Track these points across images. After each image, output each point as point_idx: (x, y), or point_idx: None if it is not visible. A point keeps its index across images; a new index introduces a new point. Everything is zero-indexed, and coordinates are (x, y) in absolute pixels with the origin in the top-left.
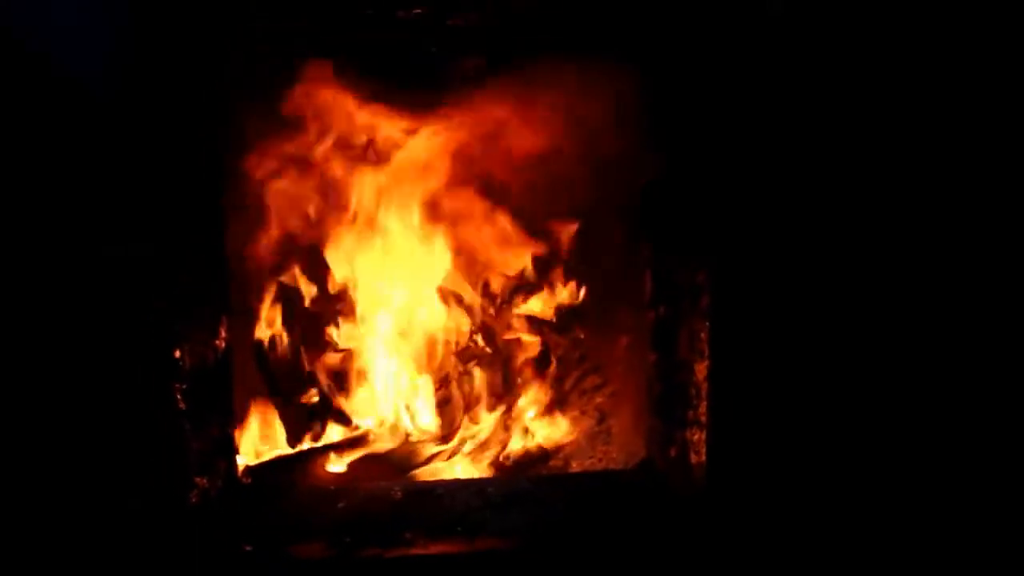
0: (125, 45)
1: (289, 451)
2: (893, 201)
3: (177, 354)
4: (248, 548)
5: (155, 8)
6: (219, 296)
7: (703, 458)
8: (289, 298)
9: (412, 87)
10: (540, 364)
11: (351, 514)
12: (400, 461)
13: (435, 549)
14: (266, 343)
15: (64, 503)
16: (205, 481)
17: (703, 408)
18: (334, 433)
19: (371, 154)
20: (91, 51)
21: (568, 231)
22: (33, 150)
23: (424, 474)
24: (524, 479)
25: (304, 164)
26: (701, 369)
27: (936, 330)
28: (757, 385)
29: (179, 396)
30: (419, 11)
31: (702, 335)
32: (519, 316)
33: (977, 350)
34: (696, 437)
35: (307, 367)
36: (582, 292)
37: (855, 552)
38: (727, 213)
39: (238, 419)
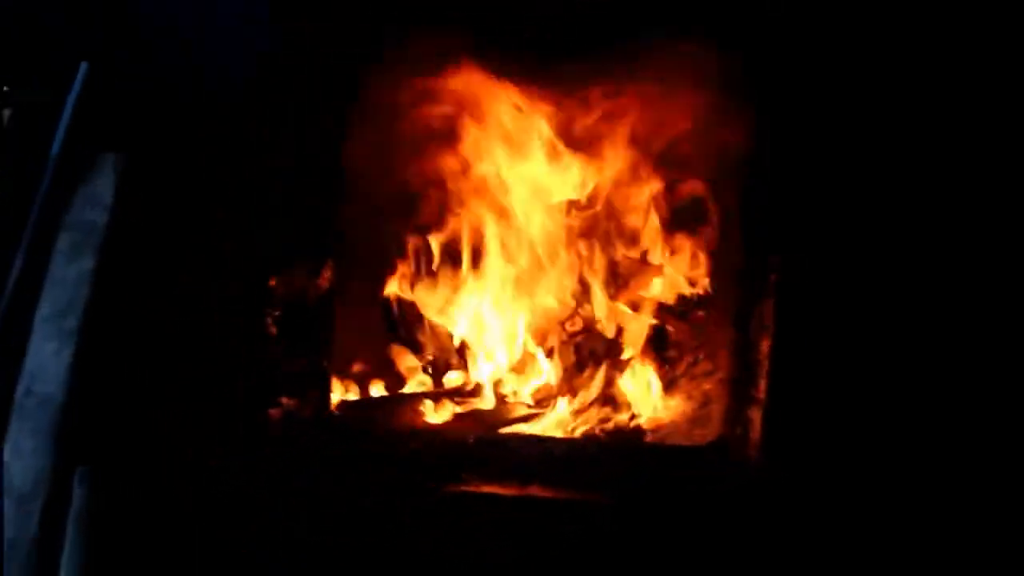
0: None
1: (387, 394)
2: (952, 195)
3: (272, 283)
4: (319, 466)
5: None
6: (324, 242)
7: (758, 435)
8: (420, 257)
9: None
10: (654, 345)
11: (422, 452)
12: (492, 419)
13: (488, 489)
14: (394, 296)
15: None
16: (294, 403)
17: (763, 386)
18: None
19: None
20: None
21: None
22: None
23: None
24: (593, 444)
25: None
26: (764, 347)
27: (992, 313)
28: (815, 366)
29: (270, 321)
30: None
31: (768, 312)
32: (639, 297)
33: None
34: (755, 414)
35: (427, 322)
36: (706, 280)
37: (901, 525)
38: (799, 201)
39: (348, 359)
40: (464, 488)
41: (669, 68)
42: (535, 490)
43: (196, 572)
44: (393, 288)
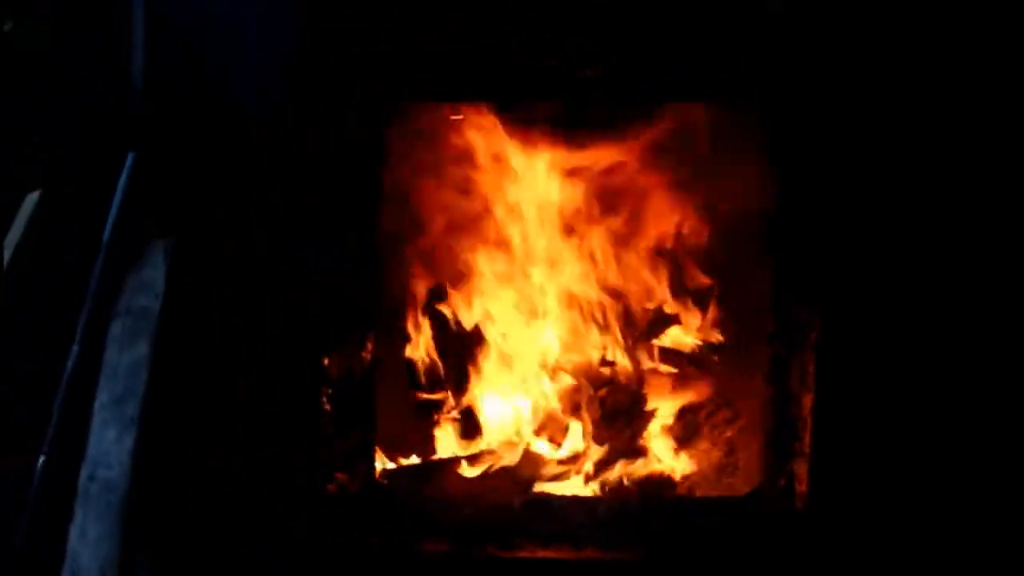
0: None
1: (422, 460)
2: (991, 245)
3: (325, 362)
4: (375, 540)
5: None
6: (368, 316)
7: (804, 487)
8: (438, 321)
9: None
10: (673, 393)
11: (474, 519)
12: (524, 478)
13: (543, 554)
14: (417, 361)
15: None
16: (345, 478)
17: (807, 439)
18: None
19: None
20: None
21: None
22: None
23: (544, 490)
24: (633, 500)
25: (455, 196)
26: (807, 402)
27: None
28: (859, 418)
29: (324, 399)
30: (554, 63)
31: (810, 369)
32: (656, 347)
33: None
34: (800, 468)
35: (449, 384)
36: (719, 329)
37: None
38: (836, 255)
39: (381, 429)
40: (521, 554)
41: (692, 132)
42: (589, 553)
43: None
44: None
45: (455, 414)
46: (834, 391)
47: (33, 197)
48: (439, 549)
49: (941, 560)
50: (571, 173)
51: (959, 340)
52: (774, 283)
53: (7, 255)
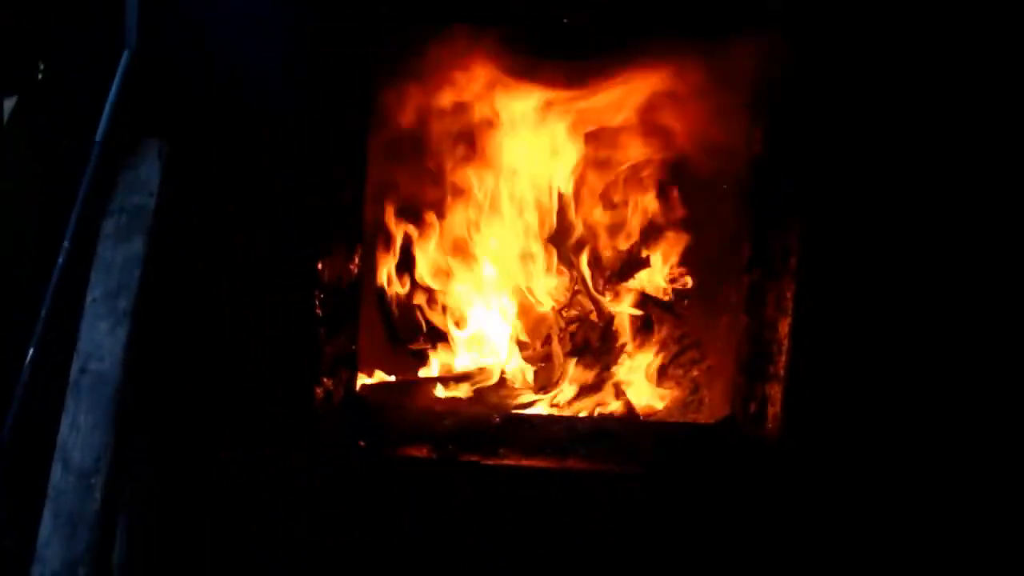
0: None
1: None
2: (970, 179)
3: (319, 267)
4: (363, 444)
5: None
6: (357, 228)
7: (778, 408)
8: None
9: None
10: (641, 334)
11: (454, 429)
12: (498, 403)
13: (527, 462)
14: (387, 285)
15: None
16: (331, 383)
17: (782, 362)
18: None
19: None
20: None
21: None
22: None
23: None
24: (612, 420)
25: (435, 123)
26: (784, 326)
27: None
28: (834, 343)
29: (317, 303)
30: None
31: (788, 294)
32: (625, 288)
33: None
34: (774, 391)
35: (421, 310)
36: (687, 276)
37: (915, 501)
38: (817, 184)
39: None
40: (504, 462)
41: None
42: (572, 462)
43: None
44: (390, 278)
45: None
46: (811, 314)
47: (9, 103)
48: (421, 454)
49: (911, 482)
50: (555, 107)
51: (936, 268)
52: (755, 211)
53: None
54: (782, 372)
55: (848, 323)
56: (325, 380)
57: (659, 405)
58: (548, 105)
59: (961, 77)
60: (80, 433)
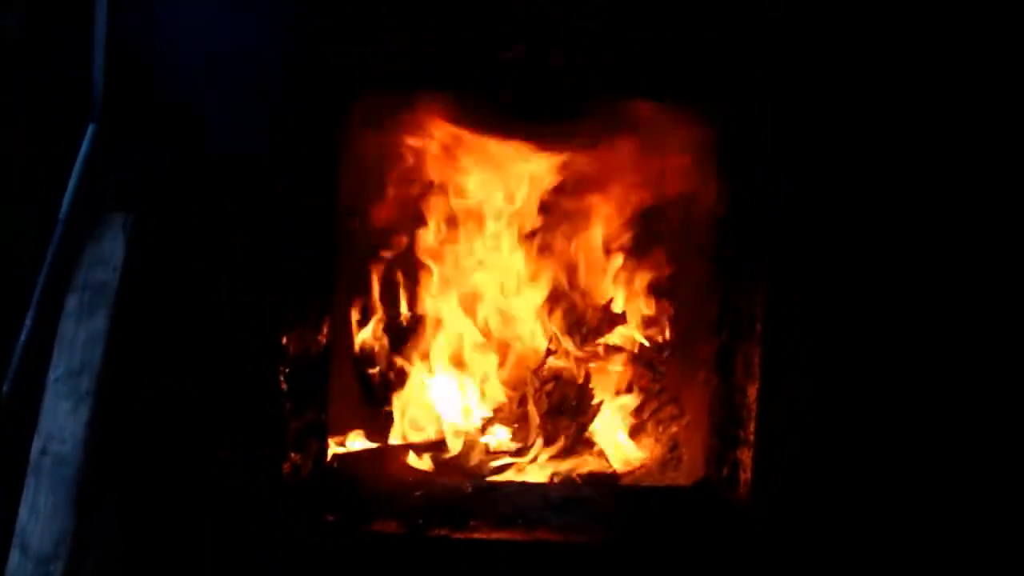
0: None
1: (371, 445)
2: (933, 237)
3: (284, 341)
4: (330, 518)
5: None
6: (325, 299)
7: (748, 475)
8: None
9: (512, 121)
10: (619, 391)
11: (424, 501)
12: (473, 468)
13: (497, 535)
14: (360, 349)
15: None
16: (298, 457)
17: (752, 428)
18: (414, 436)
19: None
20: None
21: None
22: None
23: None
24: (584, 487)
25: (406, 186)
26: (752, 391)
27: (983, 360)
28: (803, 407)
29: (282, 378)
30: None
31: (755, 359)
32: (603, 345)
33: None
34: (744, 456)
35: (394, 374)
36: (667, 328)
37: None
38: (780, 247)
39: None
40: (474, 535)
41: (643, 131)
42: (542, 534)
43: None
44: (366, 339)
45: (400, 405)
46: (778, 381)
47: None
48: (391, 529)
49: (882, 546)
50: (523, 163)
51: (900, 333)
52: (720, 275)
53: None
54: (751, 437)
55: (817, 389)
56: (292, 454)
57: (637, 463)
58: (516, 161)
59: (919, 142)
60: (39, 517)
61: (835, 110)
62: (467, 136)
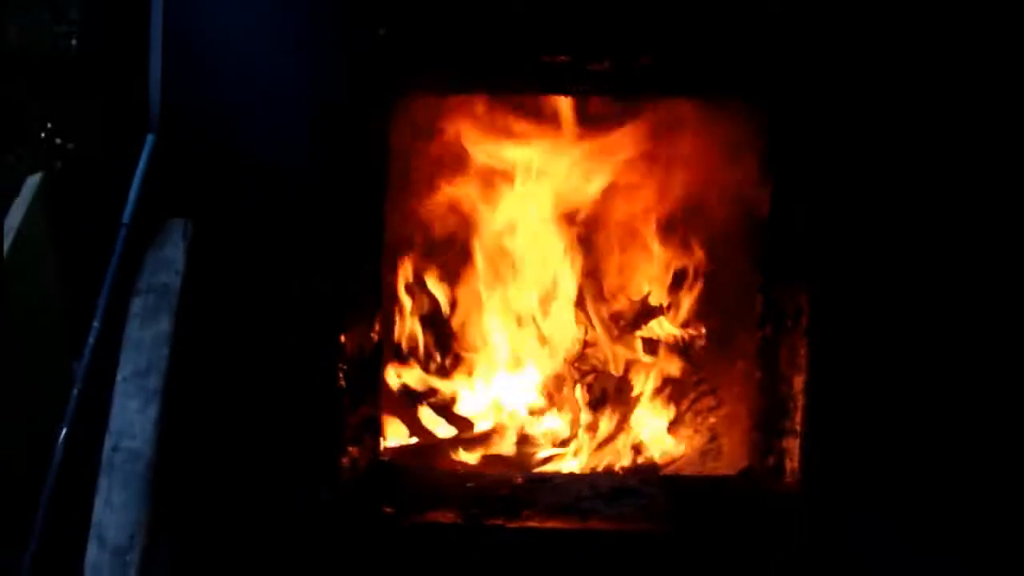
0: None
1: (414, 440)
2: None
3: (342, 339)
4: (388, 510)
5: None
6: (375, 302)
7: (796, 464)
8: (426, 306)
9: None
10: (657, 383)
11: (477, 492)
12: (518, 459)
13: (551, 524)
14: (404, 344)
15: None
16: (356, 451)
17: (799, 418)
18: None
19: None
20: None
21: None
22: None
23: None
24: (630, 477)
25: (448, 187)
26: (798, 382)
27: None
28: (848, 397)
29: (341, 375)
30: (563, 58)
31: (801, 351)
32: (641, 337)
33: None
34: (791, 445)
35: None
36: (702, 325)
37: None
38: (827, 244)
39: None
40: (528, 524)
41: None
42: (594, 523)
43: None
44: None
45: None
46: (825, 372)
47: (33, 180)
48: (447, 519)
49: (928, 533)
50: (566, 155)
51: (943, 324)
52: (764, 270)
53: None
54: (798, 427)
55: (864, 379)
56: (351, 449)
57: (677, 453)
58: (559, 153)
59: (959, 140)
60: (114, 510)
61: (882, 109)
62: (510, 134)
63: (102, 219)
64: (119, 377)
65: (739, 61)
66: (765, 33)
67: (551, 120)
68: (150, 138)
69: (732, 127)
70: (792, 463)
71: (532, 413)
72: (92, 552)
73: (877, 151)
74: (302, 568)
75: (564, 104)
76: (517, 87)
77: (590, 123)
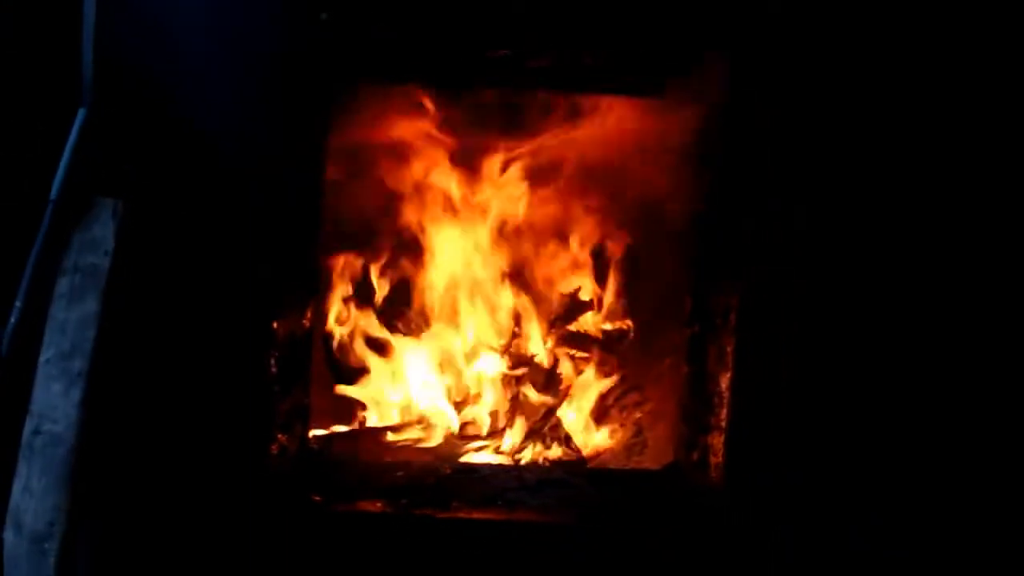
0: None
1: (343, 429)
2: (902, 231)
3: (275, 325)
4: (318, 499)
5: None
6: (307, 286)
7: (720, 459)
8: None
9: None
10: (583, 378)
11: (406, 482)
12: (446, 451)
13: (478, 515)
14: (334, 333)
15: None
16: (285, 439)
17: (724, 414)
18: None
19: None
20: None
21: (620, 255)
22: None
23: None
24: (557, 469)
25: (382, 179)
26: (725, 380)
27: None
28: (773, 394)
29: (272, 361)
30: (504, 52)
31: (728, 349)
32: (569, 332)
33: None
34: (716, 441)
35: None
36: (630, 321)
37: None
38: (757, 245)
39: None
40: (457, 515)
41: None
42: (521, 514)
43: None
44: (332, 323)
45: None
46: (751, 369)
47: None
48: (376, 508)
49: (850, 528)
50: (502, 162)
51: (871, 324)
52: (696, 269)
53: None
54: (724, 424)
55: (789, 377)
56: (280, 436)
57: (603, 448)
58: (490, 153)
59: (884, 143)
60: (33, 496)
61: (810, 106)
62: (446, 127)
63: (29, 196)
64: (42, 359)
65: (679, 59)
66: (704, 31)
67: (486, 115)
68: (81, 112)
69: (665, 128)
70: (716, 458)
71: (460, 405)
72: (8, 539)
73: (809, 153)
74: (230, 555)
75: (498, 99)
76: (458, 80)
77: (525, 120)
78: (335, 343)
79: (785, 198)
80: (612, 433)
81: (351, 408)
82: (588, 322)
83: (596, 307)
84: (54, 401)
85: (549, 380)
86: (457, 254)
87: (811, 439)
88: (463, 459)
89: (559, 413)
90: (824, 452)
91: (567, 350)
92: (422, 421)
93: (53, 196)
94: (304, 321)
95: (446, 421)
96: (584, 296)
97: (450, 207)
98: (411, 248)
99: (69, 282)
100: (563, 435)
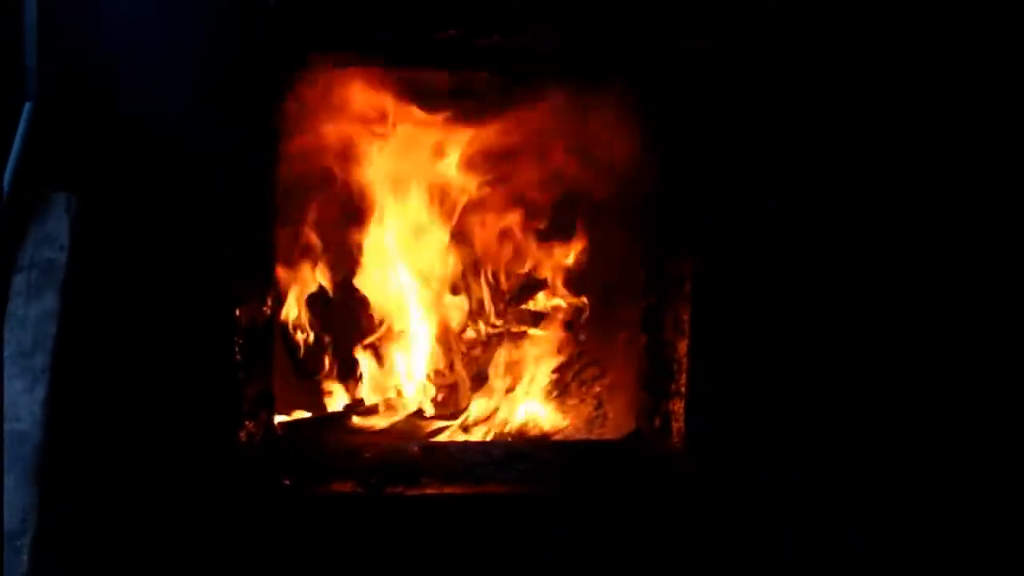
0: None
1: (305, 415)
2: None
3: (238, 313)
4: (287, 482)
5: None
6: (266, 275)
7: (682, 424)
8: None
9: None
10: (543, 355)
11: (375, 462)
12: (410, 432)
13: (448, 491)
14: (290, 322)
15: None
16: (252, 425)
17: (683, 380)
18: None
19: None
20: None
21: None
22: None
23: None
24: (525, 442)
25: (333, 163)
26: (682, 346)
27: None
28: (730, 359)
29: (236, 349)
30: (453, 33)
31: (684, 317)
32: (525, 310)
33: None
34: (676, 407)
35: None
36: (584, 297)
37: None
38: (709, 214)
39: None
40: (427, 491)
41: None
42: (489, 488)
43: None
44: (294, 310)
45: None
46: (708, 334)
47: None
48: (347, 489)
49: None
50: (455, 144)
51: (821, 287)
52: (650, 240)
53: None
54: (683, 389)
55: (745, 340)
56: (247, 423)
57: (565, 422)
58: (443, 131)
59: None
60: (4, 494)
61: (754, 77)
62: (397, 108)
63: None
64: (5, 355)
65: (628, 39)
66: (655, 11)
67: (438, 98)
68: (28, 106)
69: (615, 104)
70: (678, 423)
71: (422, 385)
72: None
73: (756, 119)
74: (204, 542)
75: (448, 81)
76: (408, 59)
77: (474, 101)
78: (291, 332)
79: (740, 168)
80: (573, 408)
81: (314, 396)
82: (543, 301)
83: (550, 285)
84: (16, 399)
85: (507, 359)
86: (408, 236)
87: (771, 400)
88: (428, 439)
89: (518, 391)
90: (785, 412)
91: (523, 328)
92: (385, 404)
93: (4, 191)
94: (265, 308)
95: (407, 403)
96: (538, 275)
97: (400, 188)
98: (363, 232)
99: (26, 279)
100: (525, 412)
